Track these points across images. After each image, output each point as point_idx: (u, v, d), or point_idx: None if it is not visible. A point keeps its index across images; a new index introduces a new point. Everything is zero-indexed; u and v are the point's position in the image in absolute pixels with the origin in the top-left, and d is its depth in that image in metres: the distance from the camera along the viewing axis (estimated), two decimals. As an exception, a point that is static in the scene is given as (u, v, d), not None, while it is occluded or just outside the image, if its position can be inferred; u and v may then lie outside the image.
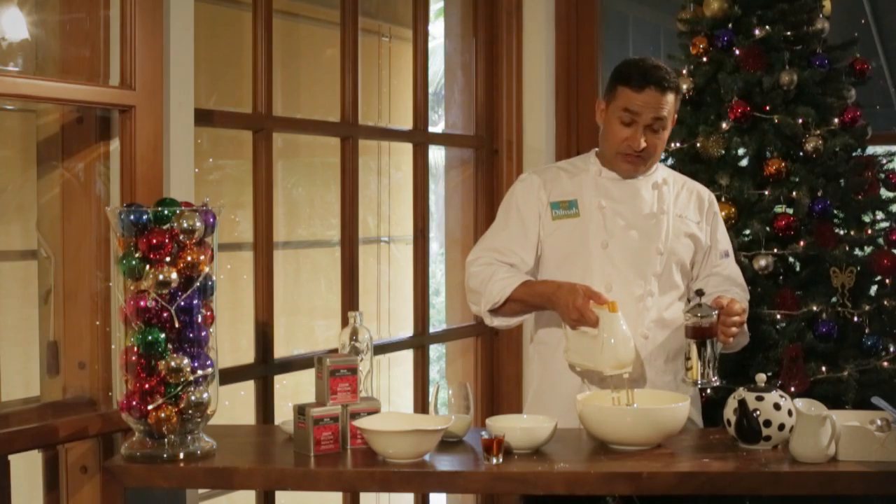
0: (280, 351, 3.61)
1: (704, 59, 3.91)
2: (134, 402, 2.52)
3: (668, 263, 2.93)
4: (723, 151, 3.81)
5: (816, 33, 3.90)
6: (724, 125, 3.81)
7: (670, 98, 2.87)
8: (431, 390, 2.96)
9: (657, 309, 2.90)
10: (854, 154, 3.91)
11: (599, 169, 2.98)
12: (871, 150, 4.03)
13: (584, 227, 2.92)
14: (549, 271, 2.94)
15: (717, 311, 2.75)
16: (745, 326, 2.92)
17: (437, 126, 5.04)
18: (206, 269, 2.56)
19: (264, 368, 3.44)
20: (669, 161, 3.99)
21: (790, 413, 2.56)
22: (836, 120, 3.82)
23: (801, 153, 3.82)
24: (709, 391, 3.60)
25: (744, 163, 3.92)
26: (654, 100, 2.85)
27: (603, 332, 2.69)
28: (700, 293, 2.79)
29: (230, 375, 3.24)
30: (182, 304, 2.52)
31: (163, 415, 2.51)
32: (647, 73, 2.86)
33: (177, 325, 2.52)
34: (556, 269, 2.92)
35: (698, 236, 2.98)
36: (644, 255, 2.91)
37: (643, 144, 2.87)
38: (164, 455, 2.52)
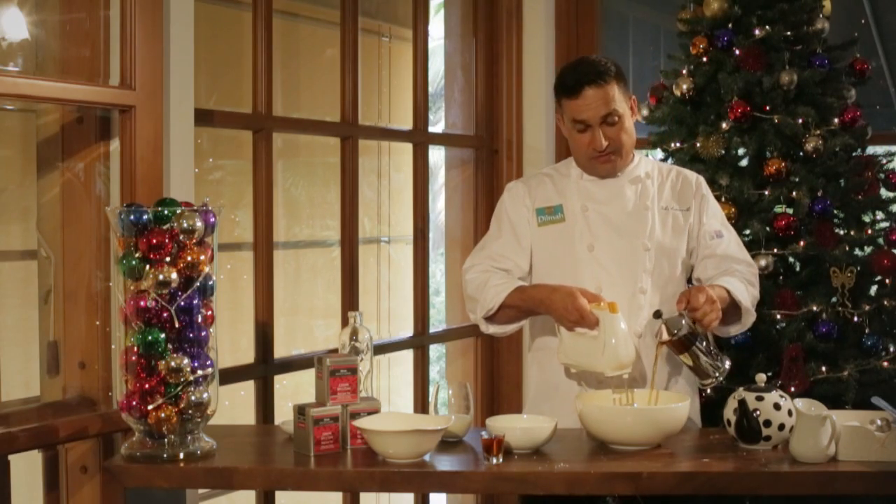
0: (280, 351, 3.61)
1: (704, 59, 3.91)
2: (134, 402, 2.52)
3: (658, 258, 2.92)
4: (723, 151, 3.81)
5: (816, 33, 3.90)
6: (724, 125, 3.81)
7: (612, 90, 2.84)
8: (431, 390, 2.96)
9: (651, 306, 2.89)
10: (854, 154, 3.91)
11: (580, 172, 2.99)
12: (871, 150, 4.03)
13: (569, 232, 2.93)
14: (540, 277, 2.94)
15: (681, 316, 2.72)
16: (747, 302, 2.86)
17: (437, 126, 5.04)
18: (206, 269, 2.56)
19: (264, 368, 3.44)
20: (669, 161, 3.99)
21: (790, 413, 2.55)
22: (836, 120, 3.82)
23: (801, 153, 3.82)
24: (709, 391, 3.60)
25: (744, 163, 3.92)
26: (595, 98, 2.83)
27: (603, 333, 2.69)
28: (658, 315, 2.76)
29: (230, 375, 3.24)
30: (182, 304, 2.52)
31: (163, 415, 2.51)
32: (578, 77, 2.84)
33: (177, 325, 2.52)
34: (545, 276, 2.92)
35: (688, 223, 2.97)
36: (631, 253, 2.91)
37: (604, 143, 2.86)
38: (164, 455, 2.52)
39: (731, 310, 2.86)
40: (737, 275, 2.94)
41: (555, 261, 2.93)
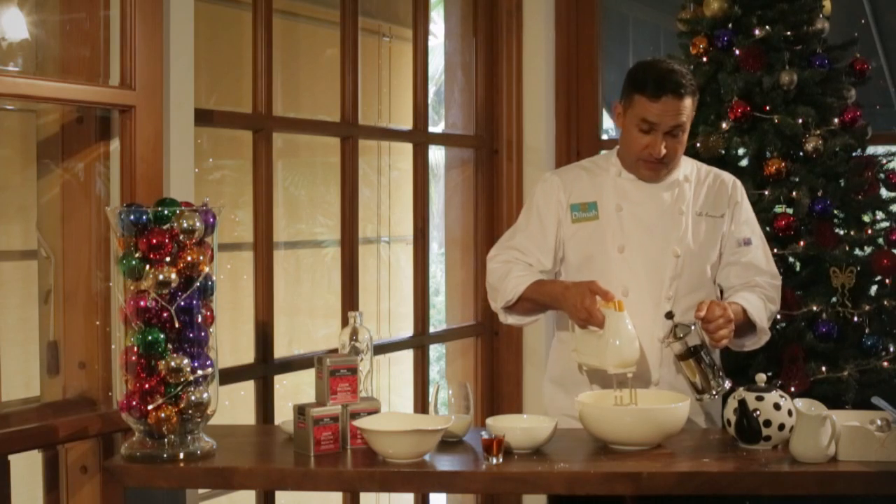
0: (280, 351, 3.61)
1: (704, 59, 3.91)
2: (134, 402, 2.52)
3: (687, 264, 2.90)
4: (723, 151, 3.81)
5: (816, 33, 3.90)
6: (724, 125, 3.81)
7: (688, 102, 2.83)
8: (431, 390, 2.95)
9: (678, 313, 2.83)
10: (854, 154, 3.91)
11: (619, 170, 2.97)
12: (871, 150, 4.02)
13: (601, 231, 2.92)
14: (571, 274, 2.94)
15: (694, 325, 2.74)
16: (763, 322, 2.87)
17: (437, 126, 5.04)
18: (206, 269, 2.56)
19: (264, 368, 3.44)
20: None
21: (790, 413, 2.55)
22: (836, 120, 3.82)
23: (801, 153, 3.82)
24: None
25: (744, 163, 3.92)
26: (672, 108, 2.81)
27: (608, 331, 2.69)
28: (670, 316, 2.77)
29: (230, 375, 3.24)
30: (182, 304, 2.52)
31: (163, 415, 2.51)
32: (663, 82, 2.80)
33: (177, 325, 2.52)
34: (576, 273, 2.93)
35: (721, 231, 2.97)
36: (661, 257, 2.90)
37: (663, 151, 2.84)
38: (164, 455, 2.52)
39: (746, 327, 2.86)
40: (757, 290, 2.92)
41: (585, 259, 2.93)
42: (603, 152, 3.16)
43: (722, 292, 3.02)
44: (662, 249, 2.90)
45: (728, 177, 3.04)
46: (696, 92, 2.89)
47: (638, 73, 2.88)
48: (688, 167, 3.01)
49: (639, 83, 2.84)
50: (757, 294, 2.92)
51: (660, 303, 2.87)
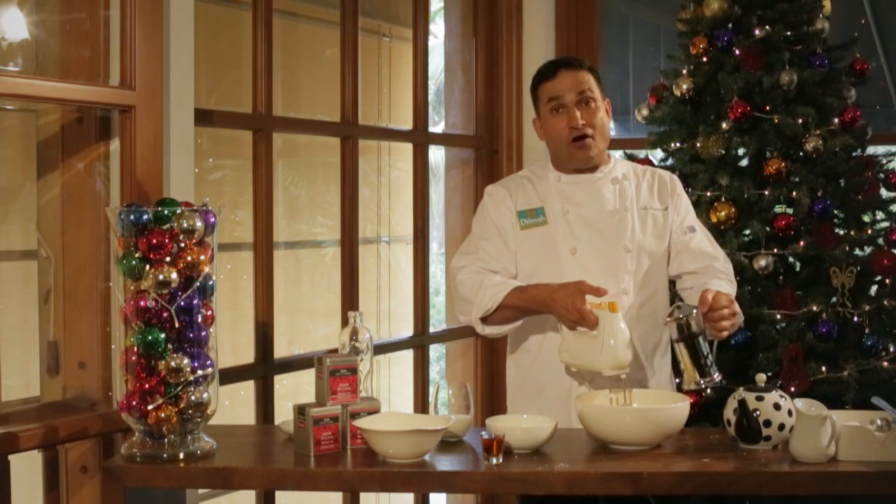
0: (280, 351, 3.61)
1: (704, 59, 3.91)
2: (134, 402, 2.52)
3: (640, 259, 2.94)
4: (723, 151, 3.81)
5: (816, 33, 3.91)
6: (724, 125, 3.81)
7: (587, 77, 2.96)
8: (431, 390, 2.95)
9: (633, 306, 2.90)
10: (854, 154, 3.91)
11: (558, 175, 3.01)
12: (871, 150, 4.02)
13: (551, 235, 2.95)
14: (524, 279, 2.94)
15: (696, 309, 2.73)
16: (736, 306, 2.87)
17: (437, 126, 5.04)
18: (206, 269, 2.56)
19: (264, 368, 3.44)
20: (669, 161, 3.99)
21: (790, 413, 2.56)
22: (836, 120, 3.82)
23: (801, 153, 3.82)
24: (709, 391, 3.60)
25: (744, 163, 3.92)
26: (571, 79, 2.95)
27: (602, 332, 2.69)
28: (679, 298, 2.79)
29: (230, 375, 3.24)
30: (182, 304, 2.52)
31: (163, 415, 2.51)
32: (556, 62, 3.04)
33: (177, 325, 2.52)
34: (530, 277, 2.92)
35: (666, 224, 3.00)
36: (613, 254, 2.92)
37: (581, 121, 2.91)
38: (164, 455, 2.52)
39: None
40: (721, 276, 2.96)
41: (538, 263, 2.94)
42: (538, 162, 3.21)
43: (674, 281, 3.05)
44: (614, 246, 2.93)
45: (665, 172, 3.10)
46: (595, 72, 3.02)
47: (535, 75, 3.06)
48: (624, 167, 3.06)
49: (538, 77, 3.03)
50: (723, 280, 2.95)
51: (618, 298, 2.85)
